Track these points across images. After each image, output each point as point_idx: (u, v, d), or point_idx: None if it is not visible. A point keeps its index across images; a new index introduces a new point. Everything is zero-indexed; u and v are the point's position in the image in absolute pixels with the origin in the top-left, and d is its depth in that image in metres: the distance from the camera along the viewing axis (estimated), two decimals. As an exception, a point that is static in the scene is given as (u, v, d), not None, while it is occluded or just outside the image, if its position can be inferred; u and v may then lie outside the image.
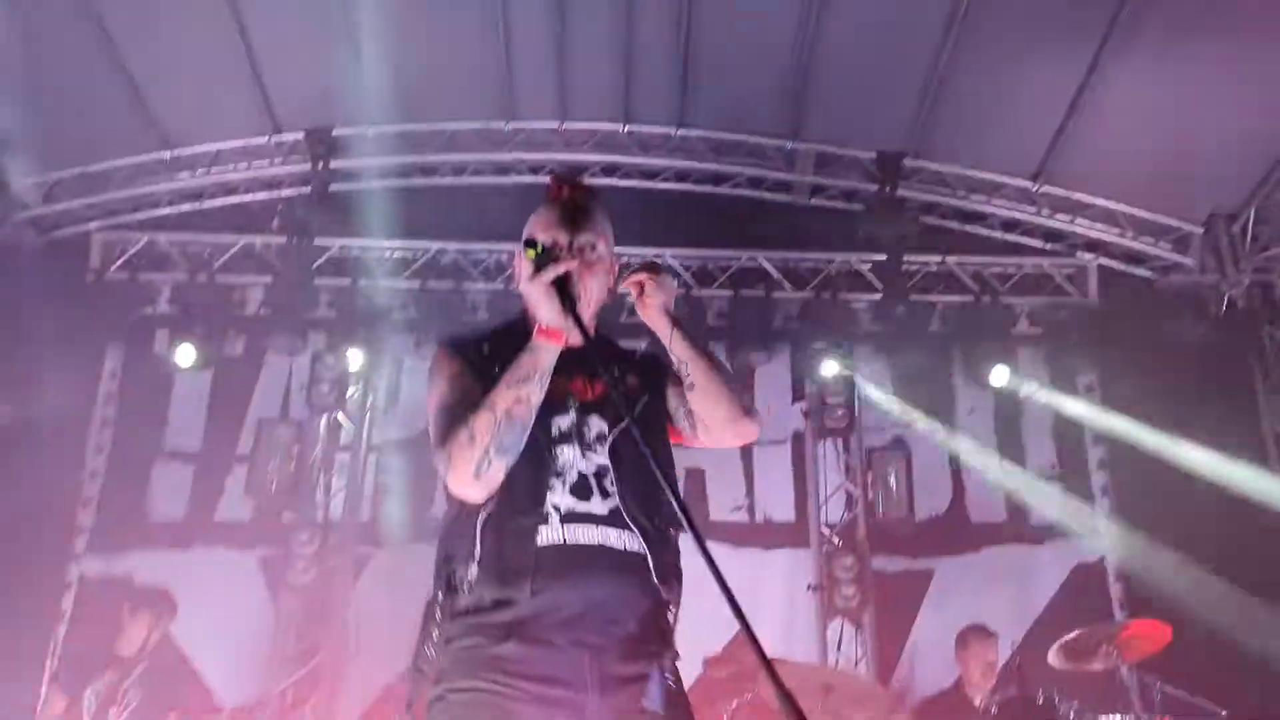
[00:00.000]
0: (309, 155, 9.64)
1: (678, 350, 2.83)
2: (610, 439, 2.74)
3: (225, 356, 9.41)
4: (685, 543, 2.74)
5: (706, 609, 2.57)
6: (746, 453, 9.06)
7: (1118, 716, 6.22)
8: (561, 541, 2.60)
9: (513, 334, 2.86)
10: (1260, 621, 7.82)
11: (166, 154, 9.69)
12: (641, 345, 3.13)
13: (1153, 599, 8.13)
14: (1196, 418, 8.41)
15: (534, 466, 2.65)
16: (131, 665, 7.10)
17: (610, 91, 9.54)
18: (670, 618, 2.75)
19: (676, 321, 2.83)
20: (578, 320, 2.64)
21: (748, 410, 2.87)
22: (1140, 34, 7.90)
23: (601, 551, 2.62)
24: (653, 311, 2.82)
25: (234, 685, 8.32)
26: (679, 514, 2.63)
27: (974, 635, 7.23)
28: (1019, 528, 8.99)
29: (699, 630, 3.03)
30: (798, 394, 9.37)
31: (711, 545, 2.65)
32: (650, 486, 2.71)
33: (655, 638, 2.68)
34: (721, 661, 6.72)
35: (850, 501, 8.99)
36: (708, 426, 2.87)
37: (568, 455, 2.70)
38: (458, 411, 2.67)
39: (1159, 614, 7.21)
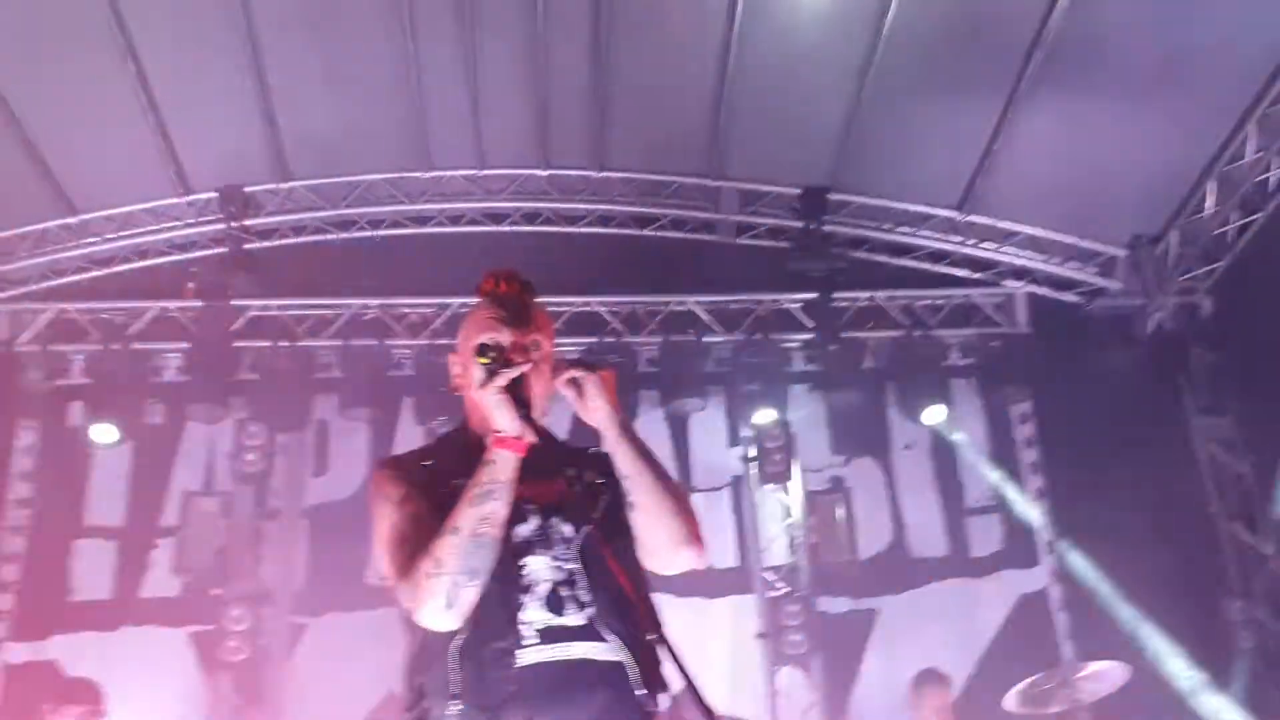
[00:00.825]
0: (222, 214, 9.38)
1: (622, 463, 2.61)
2: (578, 542, 2.55)
3: (145, 427, 9.12)
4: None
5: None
6: (686, 501, 8.94)
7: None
8: (542, 661, 2.41)
9: (455, 445, 2.72)
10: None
11: (73, 219, 9.38)
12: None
13: (1098, 628, 8.19)
14: (1132, 442, 8.45)
15: (501, 583, 2.45)
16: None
17: (528, 136, 9.39)
18: None
19: (625, 426, 2.63)
20: (533, 425, 2.47)
21: (693, 538, 2.65)
22: (1055, 66, 7.92)
23: (585, 666, 2.43)
24: (597, 415, 2.61)
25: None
26: (650, 619, 2.48)
27: (928, 680, 7.12)
28: (961, 562, 8.96)
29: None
30: (734, 439, 9.26)
31: (654, 597, 2.56)
32: (622, 592, 2.52)
33: None
34: None
35: (793, 545, 8.89)
36: (648, 550, 2.65)
37: (535, 566, 2.51)
38: (414, 539, 2.47)
39: (1104, 642, 7.25)
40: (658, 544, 2.63)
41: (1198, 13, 7.42)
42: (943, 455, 9.23)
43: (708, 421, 9.18)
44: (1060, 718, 6.57)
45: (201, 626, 8.57)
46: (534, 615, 2.45)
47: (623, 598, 2.49)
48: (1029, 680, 6.31)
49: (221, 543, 8.62)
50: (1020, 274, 9.52)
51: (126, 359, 9.08)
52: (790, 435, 8.85)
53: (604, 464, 2.74)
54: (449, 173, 9.64)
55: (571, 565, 2.52)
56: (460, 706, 2.38)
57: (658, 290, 9.36)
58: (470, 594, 2.39)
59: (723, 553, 8.96)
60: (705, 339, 9.17)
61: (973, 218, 9.38)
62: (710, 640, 8.52)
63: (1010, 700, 6.39)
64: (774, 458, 8.70)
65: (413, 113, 9.01)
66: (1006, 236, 9.46)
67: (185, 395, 9.09)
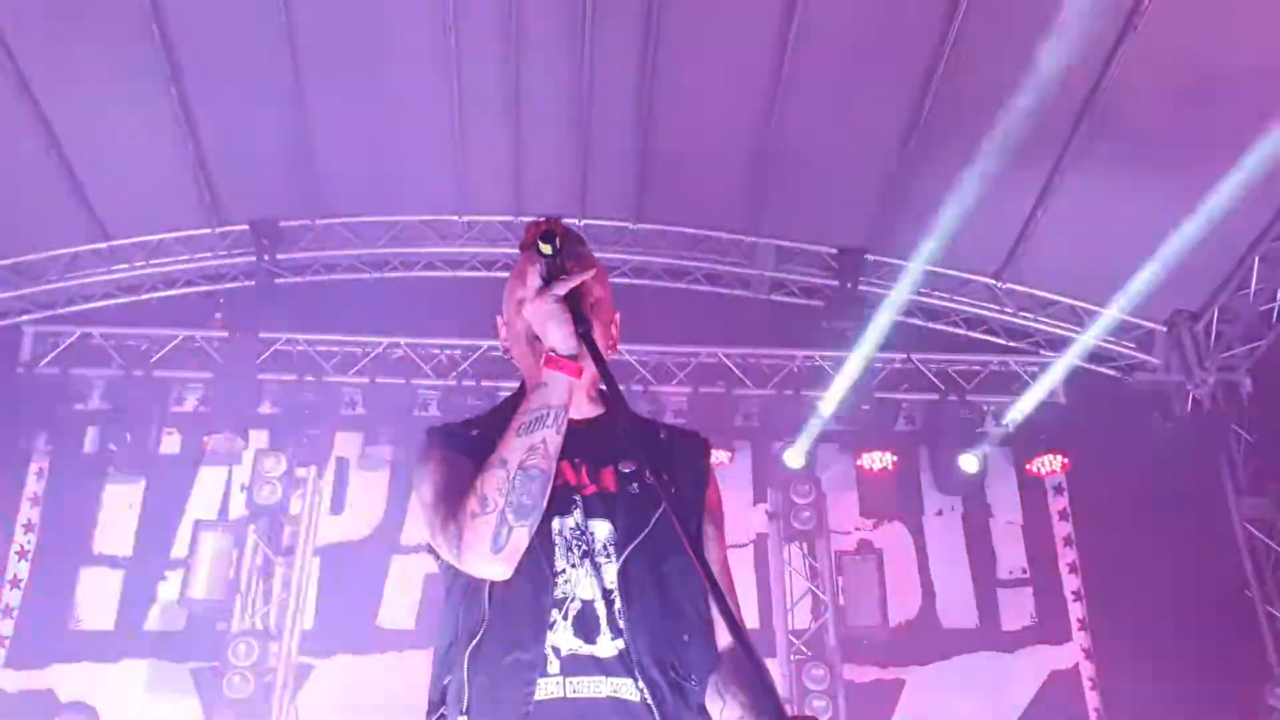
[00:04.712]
0: (253, 247, 9.32)
1: None
2: (624, 555, 2.21)
3: (161, 456, 8.96)
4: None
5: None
6: (707, 557, 8.72)
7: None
8: (562, 696, 2.11)
9: (507, 410, 2.30)
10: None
11: (104, 245, 9.32)
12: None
13: (1131, 708, 7.91)
14: (1168, 519, 8.25)
15: (533, 585, 2.16)
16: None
17: (567, 184, 9.35)
18: None
19: None
20: (594, 349, 2.14)
21: None
22: (1100, 139, 7.89)
23: (612, 707, 2.13)
24: None
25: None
26: (701, 658, 2.23)
27: None
28: (991, 634, 8.70)
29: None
30: (759, 495, 9.06)
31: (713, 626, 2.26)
32: (670, 621, 2.20)
33: None
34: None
35: (818, 607, 8.64)
36: None
37: (573, 575, 2.19)
38: (459, 492, 2.15)
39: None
40: None
41: (1243, 91, 7.38)
42: (975, 524, 9.01)
43: (733, 476, 8.96)
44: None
45: (204, 663, 8.32)
46: (561, 639, 2.15)
47: (669, 631, 2.19)
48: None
49: (231, 575, 8.40)
50: (1057, 344, 9.39)
51: (147, 386, 8.96)
52: (820, 493, 8.65)
53: (674, 448, 2.45)
54: (486, 217, 9.59)
55: (610, 581, 2.20)
56: None
57: (689, 342, 9.23)
58: (521, 536, 2.10)
59: (744, 613, 8.68)
60: (735, 392, 9.01)
61: (1011, 285, 9.29)
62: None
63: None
64: (802, 515, 8.48)
65: (453, 156, 8.99)
66: (1044, 306, 9.35)
67: (205, 425, 8.95)
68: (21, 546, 8.74)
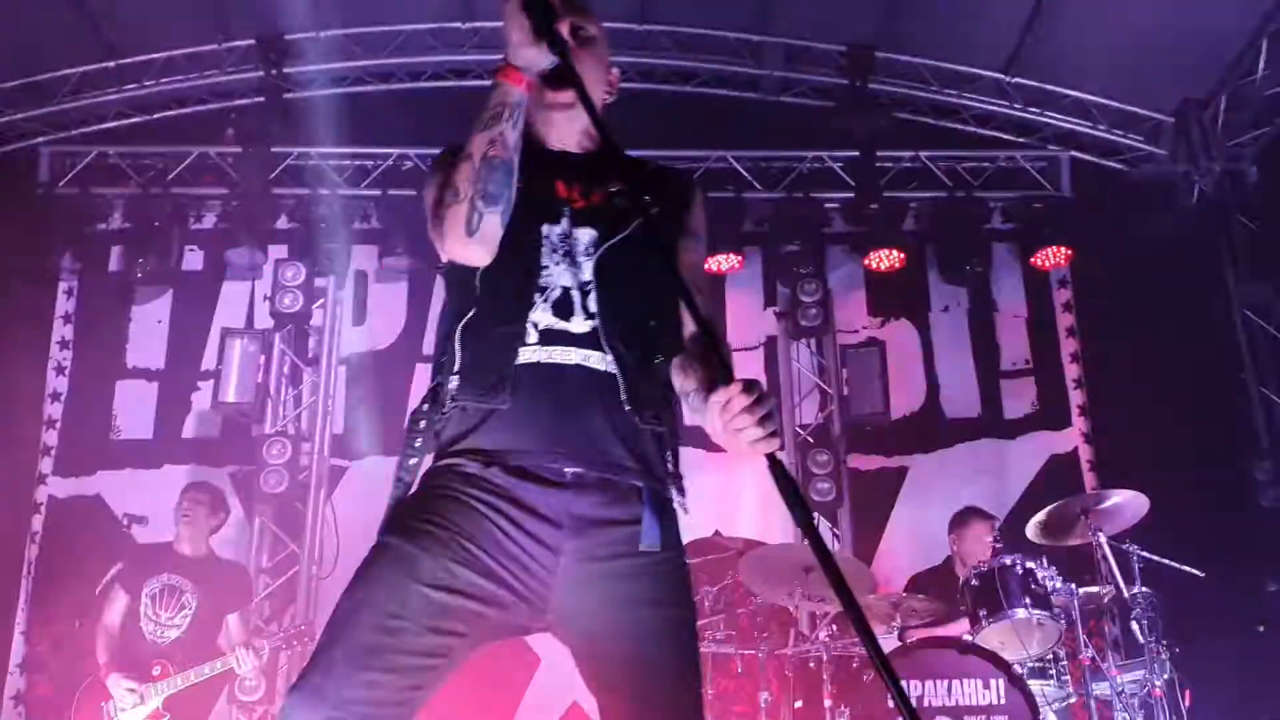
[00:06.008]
0: (261, 62, 9.30)
1: None
2: (599, 252, 2.54)
3: (184, 272, 9.20)
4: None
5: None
6: (719, 357, 8.97)
7: (1097, 588, 6.27)
8: (539, 361, 2.46)
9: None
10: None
11: (112, 63, 9.34)
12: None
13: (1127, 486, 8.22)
14: (1170, 308, 8.43)
15: (519, 276, 2.50)
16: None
17: (572, -12, 9.23)
18: (661, 441, 2.52)
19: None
20: (556, 43, 2.38)
21: None
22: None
23: (580, 372, 2.46)
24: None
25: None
26: (662, 343, 2.57)
27: (974, 515, 7.16)
28: (993, 423, 8.98)
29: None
30: (770, 299, 9.24)
31: (683, 450, 2.60)
32: (639, 308, 2.54)
33: (647, 467, 2.48)
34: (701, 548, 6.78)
35: (824, 401, 8.95)
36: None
37: (553, 268, 2.53)
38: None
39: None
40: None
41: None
42: (980, 318, 9.20)
43: (744, 280, 9.14)
44: (1080, 547, 6.55)
45: (242, 466, 8.69)
46: (541, 316, 2.48)
47: (635, 318, 2.52)
48: (1051, 507, 6.35)
49: (260, 380, 8.69)
50: (1065, 138, 9.41)
51: (167, 203, 9.13)
52: (827, 290, 8.86)
53: (665, 181, 2.78)
54: (489, 24, 9.51)
55: (588, 275, 2.52)
56: (458, 381, 2.47)
57: (697, 146, 9.28)
58: (493, 222, 2.42)
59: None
60: (744, 196, 9.10)
61: (1019, 80, 9.24)
62: (739, 491, 8.50)
63: (1031, 530, 6.43)
64: (809, 313, 8.69)
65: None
66: (1053, 100, 9.31)
67: (224, 241, 9.16)
68: (58, 363, 9.07)
